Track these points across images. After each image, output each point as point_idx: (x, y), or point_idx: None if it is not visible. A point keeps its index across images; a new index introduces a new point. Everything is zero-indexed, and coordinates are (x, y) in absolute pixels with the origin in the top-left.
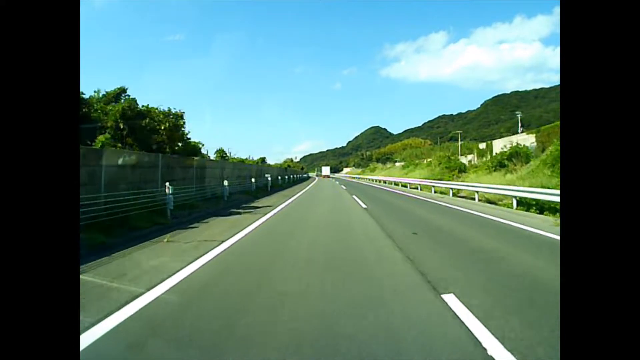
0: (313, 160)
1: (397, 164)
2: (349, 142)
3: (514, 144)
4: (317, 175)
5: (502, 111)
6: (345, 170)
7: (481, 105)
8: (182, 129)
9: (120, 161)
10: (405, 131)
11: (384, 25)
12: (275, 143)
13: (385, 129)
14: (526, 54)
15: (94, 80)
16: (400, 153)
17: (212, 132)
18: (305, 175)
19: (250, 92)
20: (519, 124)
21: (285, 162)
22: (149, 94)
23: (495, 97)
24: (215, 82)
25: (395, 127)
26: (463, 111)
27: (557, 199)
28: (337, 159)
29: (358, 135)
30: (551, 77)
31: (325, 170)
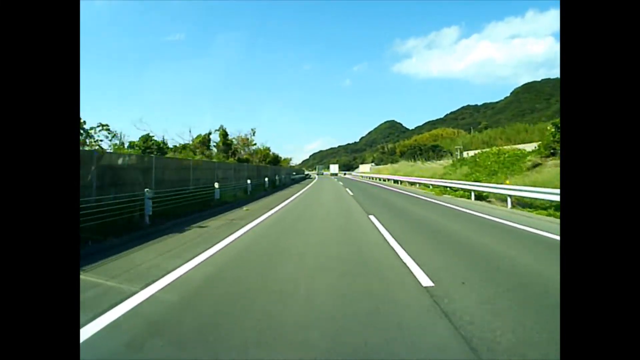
0: (323, 158)
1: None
2: (362, 137)
3: None
4: (318, 174)
5: (536, 99)
6: (363, 167)
7: (511, 93)
8: None
9: None
10: (426, 123)
11: (394, 20)
12: (285, 142)
13: (400, 124)
14: (538, 49)
15: (94, 79)
16: (449, 142)
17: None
18: (284, 177)
19: (258, 92)
20: None
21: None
22: (155, 94)
23: (526, 84)
24: (219, 82)
25: (411, 122)
26: (489, 101)
27: None
28: (349, 155)
29: (372, 131)
30: None
31: (334, 168)
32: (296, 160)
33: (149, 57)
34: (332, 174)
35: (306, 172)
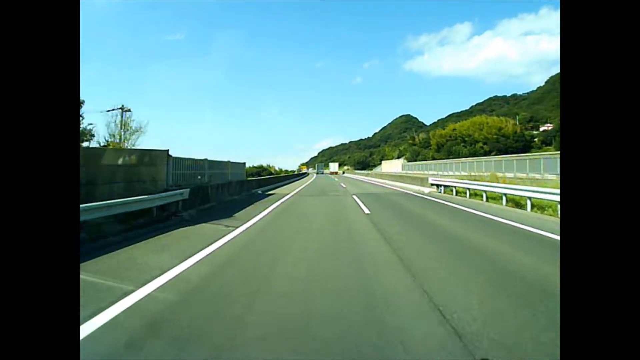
0: (333, 154)
1: None
2: (375, 133)
3: None
4: (317, 173)
5: None
6: (386, 166)
7: (545, 82)
8: None
9: None
10: (450, 115)
11: (406, 16)
12: (295, 141)
13: (416, 118)
14: (552, 47)
15: (93, 79)
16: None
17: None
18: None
19: (264, 92)
20: None
21: None
22: (157, 94)
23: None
24: (223, 82)
25: (427, 116)
26: (519, 93)
27: None
28: (363, 151)
29: (386, 126)
30: None
31: (333, 167)
32: (304, 158)
33: (150, 56)
34: (332, 173)
35: (304, 171)
